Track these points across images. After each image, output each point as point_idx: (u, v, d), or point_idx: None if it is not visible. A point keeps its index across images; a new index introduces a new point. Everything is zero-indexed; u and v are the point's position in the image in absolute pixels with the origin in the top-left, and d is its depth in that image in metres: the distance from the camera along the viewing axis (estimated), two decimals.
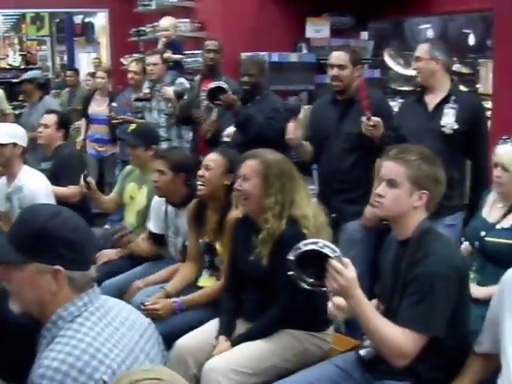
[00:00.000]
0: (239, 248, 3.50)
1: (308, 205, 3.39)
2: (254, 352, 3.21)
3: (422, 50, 4.42)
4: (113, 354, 1.93)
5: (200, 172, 3.83)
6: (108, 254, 4.65)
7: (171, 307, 3.70)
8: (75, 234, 1.99)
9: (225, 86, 5.15)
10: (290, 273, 2.53)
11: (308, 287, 2.56)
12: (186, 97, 6.20)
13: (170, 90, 6.34)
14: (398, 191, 2.70)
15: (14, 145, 4.68)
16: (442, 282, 2.55)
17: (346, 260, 2.50)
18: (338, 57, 4.56)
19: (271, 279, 3.21)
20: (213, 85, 5.20)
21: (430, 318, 2.56)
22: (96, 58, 11.95)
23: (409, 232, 2.73)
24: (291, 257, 2.51)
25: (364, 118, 4.21)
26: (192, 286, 3.97)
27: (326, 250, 2.47)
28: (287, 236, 3.14)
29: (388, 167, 2.75)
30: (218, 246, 3.83)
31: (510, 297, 2.48)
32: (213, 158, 3.84)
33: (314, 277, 2.54)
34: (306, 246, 2.50)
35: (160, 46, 7.08)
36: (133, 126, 4.97)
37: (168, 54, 6.84)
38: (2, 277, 2.03)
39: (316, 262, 2.49)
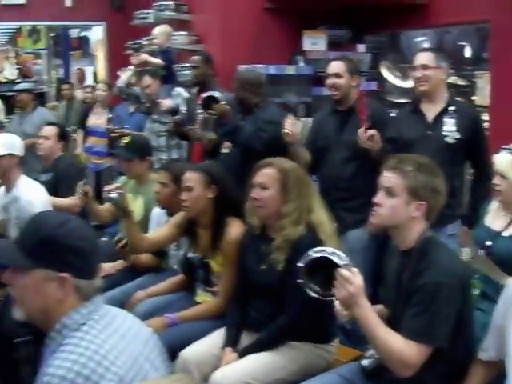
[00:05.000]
0: (248, 259, 3.49)
1: (322, 211, 3.42)
2: (263, 364, 3.20)
3: (427, 58, 4.39)
4: (119, 361, 1.91)
5: (182, 196, 3.78)
6: (106, 269, 4.57)
7: (162, 323, 3.62)
8: (83, 242, 1.97)
9: (217, 95, 5.16)
10: (299, 281, 2.53)
11: (316, 296, 2.55)
12: (183, 108, 6.21)
13: (167, 102, 6.36)
14: (395, 201, 2.70)
15: (11, 155, 4.69)
16: (444, 293, 2.55)
17: (354, 268, 2.48)
18: (334, 66, 4.65)
19: (282, 288, 3.20)
20: (206, 94, 5.21)
21: (434, 329, 2.55)
22: (78, 69, 11.95)
23: (410, 242, 2.73)
24: (301, 264, 2.51)
25: (361, 130, 4.23)
26: (190, 299, 3.95)
27: (334, 258, 2.46)
28: (305, 242, 3.12)
29: (386, 177, 2.75)
30: (212, 263, 3.79)
31: None
32: (190, 178, 3.79)
33: (322, 285, 2.53)
34: (315, 253, 2.50)
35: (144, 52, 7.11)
36: (126, 140, 4.94)
37: (145, 56, 6.88)
38: (8, 281, 2.00)
39: (324, 270, 2.49)
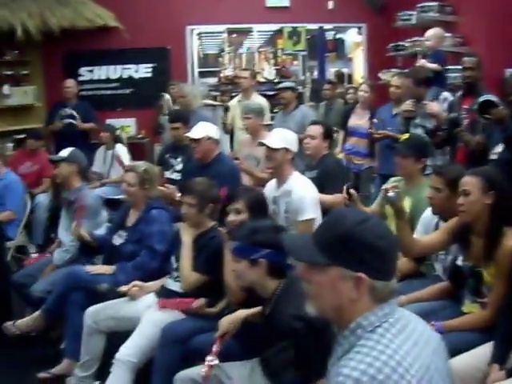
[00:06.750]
0: None
1: None
2: None
3: None
4: (413, 369, 1.85)
5: (459, 200, 3.66)
6: None
7: None
8: (382, 242, 1.93)
9: (495, 100, 4.99)
10: None
11: None
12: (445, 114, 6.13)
13: (434, 106, 6.25)
14: None
15: (286, 150, 4.92)
16: None
17: None
18: None
19: None
20: (483, 98, 5.06)
21: None
22: (338, 70, 12.10)
23: None
24: None
25: None
26: (455, 309, 3.82)
27: None
28: None
29: None
30: (485, 273, 3.61)
31: None
32: (468, 181, 3.64)
33: None
34: None
35: (419, 57, 7.08)
36: (406, 136, 4.96)
37: (423, 61, 6.84)
38: (304, 277, 2.03)
39: None
